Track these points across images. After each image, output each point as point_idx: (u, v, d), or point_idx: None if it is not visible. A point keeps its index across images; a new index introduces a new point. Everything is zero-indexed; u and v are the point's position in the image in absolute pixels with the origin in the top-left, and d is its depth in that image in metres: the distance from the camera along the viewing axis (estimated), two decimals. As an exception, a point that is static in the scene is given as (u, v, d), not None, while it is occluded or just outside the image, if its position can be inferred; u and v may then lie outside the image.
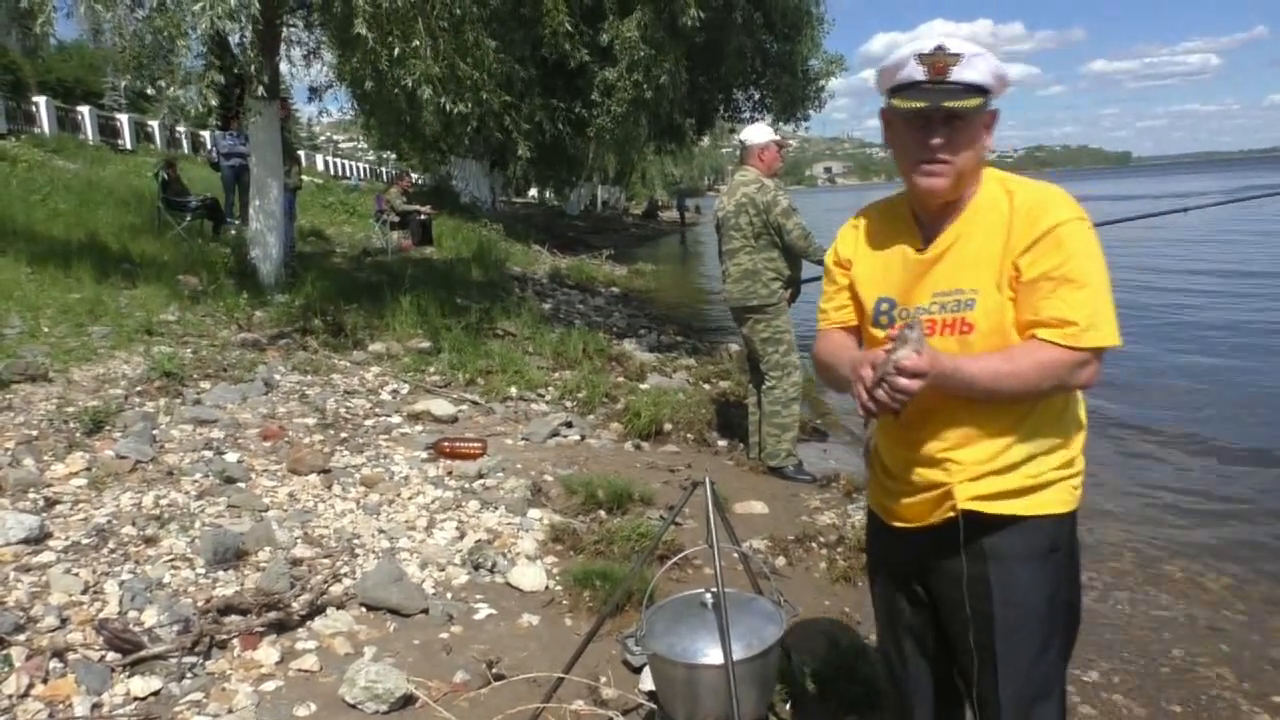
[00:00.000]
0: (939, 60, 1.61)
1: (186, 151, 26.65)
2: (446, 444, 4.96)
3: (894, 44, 2.09)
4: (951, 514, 1.72)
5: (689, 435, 6.06)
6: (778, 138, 5.39)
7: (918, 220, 1.78)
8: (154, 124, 26.90)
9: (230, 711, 2.55)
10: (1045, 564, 1.73)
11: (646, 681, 2.77)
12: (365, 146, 51.44)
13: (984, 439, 1.70)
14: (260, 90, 8.42)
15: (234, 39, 8.05)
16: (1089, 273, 1.61)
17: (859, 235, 1.89)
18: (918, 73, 1.62)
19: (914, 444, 1.77)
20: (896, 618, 1.95)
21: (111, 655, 2.70)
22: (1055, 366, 1.60)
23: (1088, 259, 1.62)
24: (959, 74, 1.61)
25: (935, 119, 1.63)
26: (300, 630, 3.00)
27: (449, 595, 3.39)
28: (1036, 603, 1.72)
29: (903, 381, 1.51)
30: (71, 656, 2.67)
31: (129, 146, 25.03)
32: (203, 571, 3.27)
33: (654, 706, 2.64)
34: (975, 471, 1.70)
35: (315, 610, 3.09)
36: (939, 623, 1.86)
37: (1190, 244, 20.23)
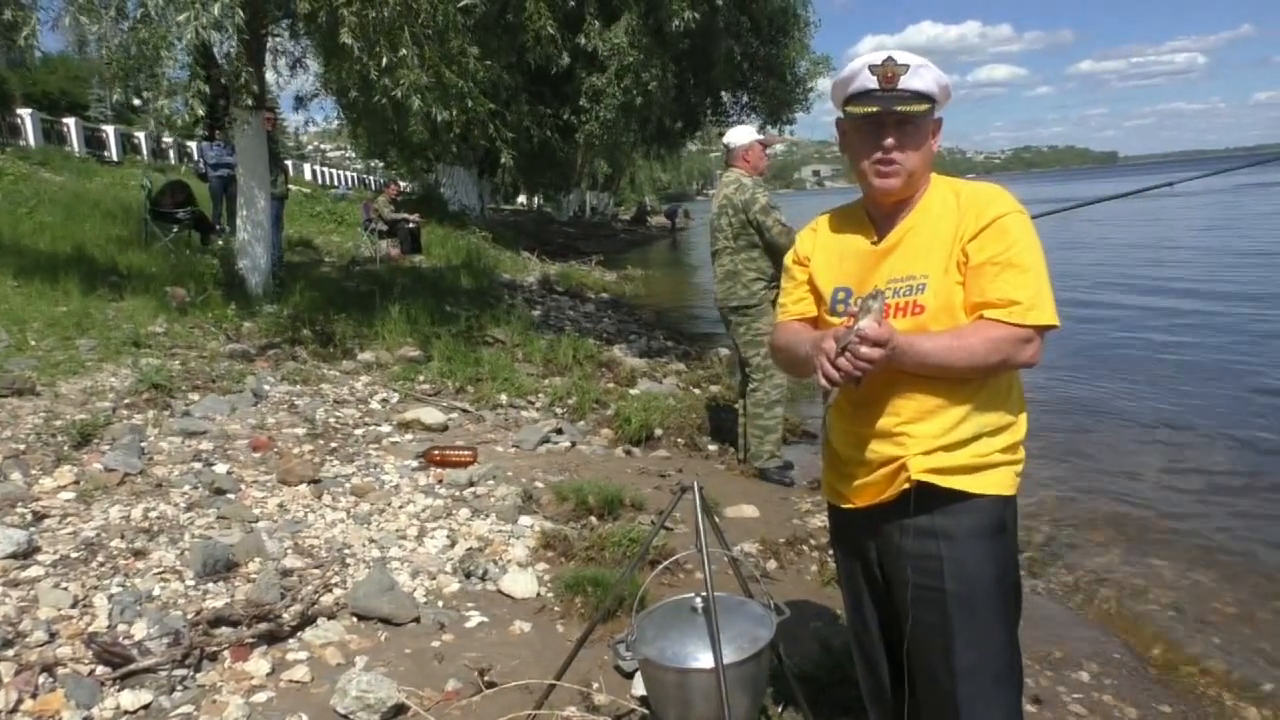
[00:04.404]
0: (889, 70, 1.75)
1: (173, 162, 26.58)
2: (437, 452, 4.95)
3: (882, 46, 2.16)
4: (906, 486, 1.80)
5: (680, 440, 6.06)
6: (760, 137, 5.42)
7: (872, 218, 1.92)
8: (140, 135, 26.85)
9: (221, 724, 2.54)
10: (994, 543, 1.82)
11: (638, 687, 2.77)
12: (353, 155, 51.41)
13: (936, 414, 1.80)
14: (246, 100, 8.41)
15: (219, 49, 8.04)
16: (1031, 259, 1.75)
17: (817, 234, 2.03)
18: (870, 82, 1.77)
19: (869, 420, 1.85)
20: (861, 599, 2.03)
21: (101, 669, 2.69)
22: (1002, 342, 1.73)
23: (1029, 246, 1.77)
24: (907, 82, 1.76)
25: (887, 123, 1.77)
26: (291, 641, 2.99)
27: (440, 604, 3.38)
28: (988, 581, 1.81)
29: (865, 350, 1.62)
30: (61, 671, 2.65)
31: (115, 158, 24.97)
32: (192, 584, 3.26)
33: (646, 712, 2.64)
34: (928, 445, 1.80)
35: (306, 621, 3.07)
36: (895, 603, 1.93)
37: (1181, 234, 20.37)
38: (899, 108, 1.75)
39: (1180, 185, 5.04)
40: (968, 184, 1.88)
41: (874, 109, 1.76)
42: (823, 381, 1.69)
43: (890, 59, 1.75)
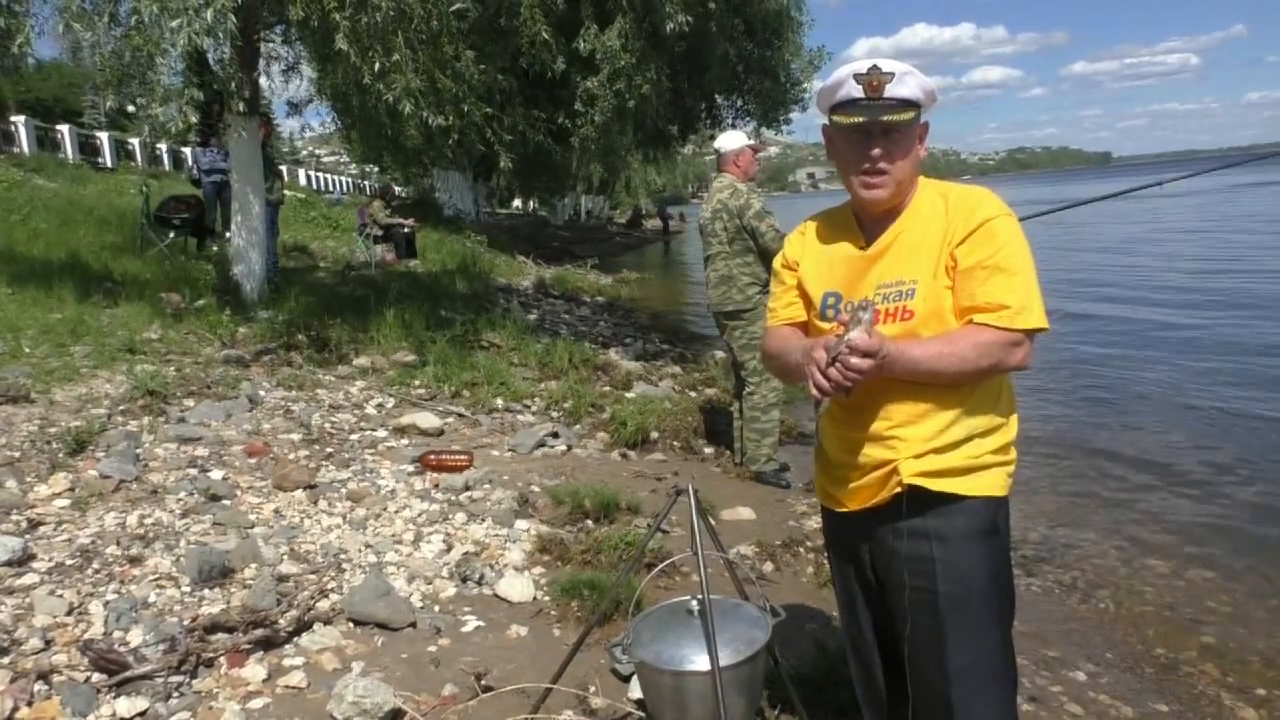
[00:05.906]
0: (874, 78, 1.75)
1: (168, 168, 26.55)
2: (433, 456, 4.95)
3: (876, 49, 2.17)
4: (898, 489, 1.81)
5: (676, 443, 6.07)
6: (752, 142, 5.44)
7: (860, 223, 1.92)
8: (134, 142, 26.81)
9: (218, 730, 2.54)
10: (987, 544, 1.83)
11: (635, 690, 2.78)
12: (348, 160, 51.38)
13: (927, 418, 1.80)
14: (240, 106, 8.41)
15: (212, 55, 8.03)
16: (1019, 262, 1.76)
17: (805, 239, 2.03)
18: (855, 91, 1.77)
19: (861, 425, 1.86)
20: (855, 601, 2.04)
21: (97, 676, 2.68)
22: (991, 346, 1.73)
23: (1018, 250, 1.77)
24: (893, 90, 1.75)
25: (874, 132, 1.78)
26: (287, 647, 2.99)
27: (437, 608, 3.38)
28: (981, 582, 1.82)
29: (855, 360, 1.63)
30: (57, 678, 2.65)
31: (109, 165, 24.93)
32: (188, 590, 3.25)
33: (642, 715, 2.65)
34: (919, 449, 1.80)
35: (302, 626, 3.07)
36: (888, 605, 1.93)
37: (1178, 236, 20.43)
38: (885, 117, 1.75)
39: (1173, 185, 5.06)
40: (956, 187, 1.88)
41: (861, 119, 1.77)
42: (813, 391, 1.70)
43: (875, 67, 1.75)
